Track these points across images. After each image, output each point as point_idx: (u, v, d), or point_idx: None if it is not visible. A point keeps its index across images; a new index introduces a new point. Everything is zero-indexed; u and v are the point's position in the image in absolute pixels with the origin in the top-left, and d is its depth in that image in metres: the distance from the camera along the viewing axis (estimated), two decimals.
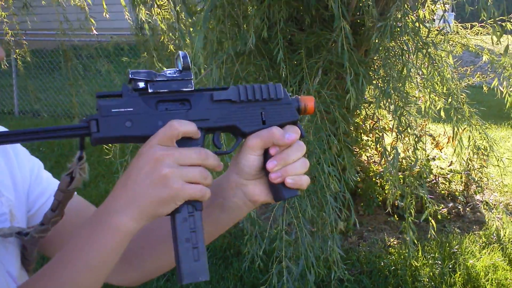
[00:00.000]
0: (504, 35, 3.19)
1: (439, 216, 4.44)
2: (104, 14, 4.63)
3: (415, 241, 3.52)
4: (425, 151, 4.56)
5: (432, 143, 5.39)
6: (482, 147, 4.13)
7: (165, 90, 0.85)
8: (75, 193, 1.10)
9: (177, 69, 0.87)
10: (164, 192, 0.81)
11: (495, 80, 3.92)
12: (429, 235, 3.66)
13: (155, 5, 4.22)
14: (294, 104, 0.94)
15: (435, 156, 5.28)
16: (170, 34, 4.35)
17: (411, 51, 3.59)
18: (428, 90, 4.17)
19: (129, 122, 0.82)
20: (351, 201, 3.14)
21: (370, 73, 3.79)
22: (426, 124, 5.07)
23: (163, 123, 0.83)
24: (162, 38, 4.52)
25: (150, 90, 0.84)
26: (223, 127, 0.89)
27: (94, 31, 5.41)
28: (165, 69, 0.88)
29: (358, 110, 4.35)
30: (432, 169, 5.22)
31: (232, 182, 0.95)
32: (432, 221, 3.45)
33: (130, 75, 0.83)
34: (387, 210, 3.94)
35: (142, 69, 0.85)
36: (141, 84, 0.84)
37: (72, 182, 0.87)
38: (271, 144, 0.90)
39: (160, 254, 1.02)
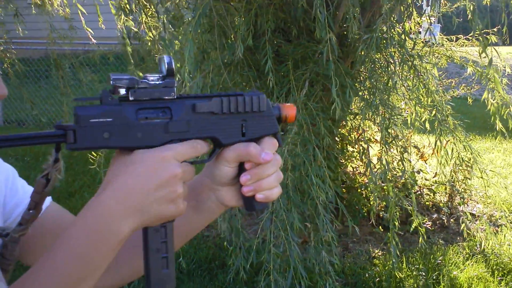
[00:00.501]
0: (488, 47, 3.22)
1: (423, 230, 4.46)
2: (100, 24, 4.62)
3: (399, 253, 3.53)
4: (410, 162, 4.59)
5: (417, 154, 5.42)
6: (466, 158, 4.16)
7: (146, 98, 0.83)
8: (52, 200, 1.10)
9: (160, 75, 0.84)
10: (171, 210, 0.82)
11: (485, 92, 3.94)
12: (419, 245, 3.67)
13: (142, 14, 4.22)
14: (275, 113, 0.94)
15: (420, 170, 5.30)
16: (157, 45, 4.35)
17: (396, 63, 3.62)
18: (413, 102, 4.21)
19: (107, 133, 0.79)
20: (345, 211, 3.15)
21: (356, 84, 3.81)
22: (411, 136, 5.10)
23: (143, 135, 0.82)
24: (149, 46, 4.52)
25: (131, 98, 0.82)
26: (203, 137, 0.88)
27: (93, 40, 5.38)
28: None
29: (344, 122, 4.37)
30: (417, 180, 5.24)
31: (205, 186, 0.96)
32: (422, 231, 3.47)
33: (111, 81, 0.81)
34: (372, 221, 3.96)
35: (125, 74, 0.83)
36: (122, 91, 0.81)
37: (48, 184, 0.86)
38: (247, 160, 0.90)
39: (134, 261, 1.01)
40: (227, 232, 3.36)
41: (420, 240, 3.58)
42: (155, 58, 4.46)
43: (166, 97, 0.84)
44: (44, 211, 1.03)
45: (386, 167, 3.30)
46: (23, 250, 1.00)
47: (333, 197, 3.08)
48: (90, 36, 5.16)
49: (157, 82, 0.83)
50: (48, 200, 1.09)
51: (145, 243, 0.85)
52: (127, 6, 4.14)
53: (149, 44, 4.41)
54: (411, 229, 3.54)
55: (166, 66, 0.84)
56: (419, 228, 3.45)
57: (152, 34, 4.30)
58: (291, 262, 2.95)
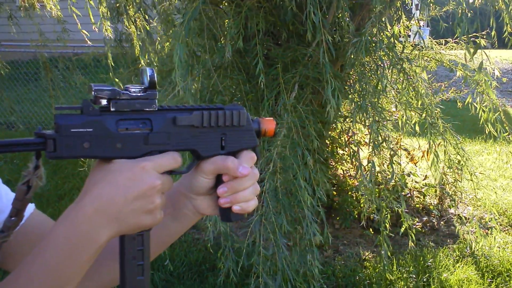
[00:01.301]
0: (478, 50, 3.24)
1: (414, 231, 4.48)
2: (94, 27, 4.62)
3: (390, 255, 3.54)
4: (400, 165, 4.60)
5: (407, 157, 5.43)
6: (456, 161, 4.18)
7: (127, 110, 0.83)
8: (35, 207, 1.10)
9: (142, 86, 0.84)
10: (148, 221, 0.82)
11: (469, 96, 3.97)
12: (409, 248, 3.68)
13: (125, 19, 4.22)
14: (255, 127, 0.95)
15: (410, 172, 5.32)
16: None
17: (386, 66, 3.63)
18: (404, 105, 4.22)
19: (87, 143, 0.80)
20: (324, 216, 3.15)
21: (346, 87, 3.82)
22: (401, 139, 5.11)
23: (122, 145, 0.82)
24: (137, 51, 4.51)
25: (112, 109, 0.82)
26: (182, 150, 0.89)
27: (89, 42, 5.37)
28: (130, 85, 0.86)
29: (334, 124, 4.38)
30: (407, 183, 5.26)
31: (182, 194, 0.97)
32: (412, 234, 3.48)
33: (93, 92, 0.81)
34: (362, 224, 3.97)
35: (106, 85, 0.83)
36: (104, 102, 0.81)
37: (30, 191, 0.85)
38: (224, 173, 0.91)
39: (116, 268, 1.01)
40: (216, 235, 3.36)
41: (409, 243, 3.60)
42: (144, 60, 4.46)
43: (147, 109, 0.85)
44: (27, 218, 1.03)
45: (373, 170, 3.31)
46: (5, 256, 1.00)
47: (316, 200, 3.09)
48: (86, 39, 5.14)
49: (139, 94, 0.84)
50: (31, 207, 1.09)
51: (121, 250, 0.85)
52: (108, 13, 4.15)
53: (137, 47, 4.40)
54: (401, 232, 3.56)
55: (149, 78, 0.84)
56: (409, 231, 3.46)
57: (140, 38, 4.29)
58: (279, 265, 2.95)
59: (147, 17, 4.04)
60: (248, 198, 0.92)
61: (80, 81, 6.58)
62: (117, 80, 4.40)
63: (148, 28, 4.07)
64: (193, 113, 0.88)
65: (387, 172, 4.10)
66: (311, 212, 3.04)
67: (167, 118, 0.86)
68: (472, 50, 3.12)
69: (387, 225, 3.39)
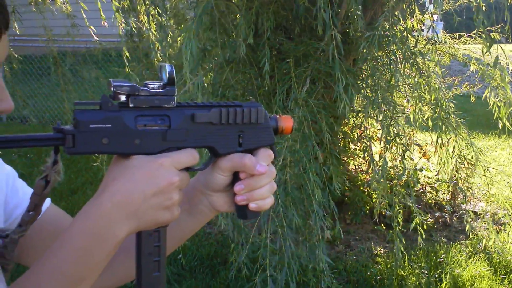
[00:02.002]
0: (494, 44, 3.21)
1: (425, 226, 4.45)
2: (103, 22, 4.63)
3: (402, 250, 3.53)
4: (413, 160, 4.58)
5: (419, 152, 5.40)
6: (469, 156, 4.15)
7: (146, 106, 0.83)
8: (51, 202, 1.10)
9: (161, 83, 0.84)
10: (166, 217, 0.83)
11: (487, 89, 3.91)
12: (419, 244, 3.66)
13: (141, 13, 4.22)
14: (272, 124, 0.95)
15: (422, 167, 5.29)
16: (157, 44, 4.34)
17: (399, 60, 3.61)
18: (416, 100, 4.19)
19: (106, 139, 0.80)
20: (336, 210, 3.14)
21: (358, 82, 3.80)
22: (413, 134, 5.08)
23: (141, 142, 0.83)
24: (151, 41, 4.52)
25: (131, 105, 0.82)
26: (200, 146, 0.89)
27: (96, 38, 5.39)
28: (148, 81, 0.85)
29: (346, 119, 4.36)
30: (419, 178, 5.23)
31: (198, 191, 0.97)
32: (421, 229, 3.46)
33: (112, 88, 0.81)
34: (374, 219, 3.95)
35: (125, 81, 0.83)
36: (122, 98, 0.82)
37: (48, 186, 0.86)
38: (242, 170, 0.91)
39: (130, 263, 1.01)
40: (229, 229, 3.36)
41: (419, 239, 3.58)
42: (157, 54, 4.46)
43: (166, 105, 0.85)
44: (43, 212, 1.04)
45: (385, 165, 3.29)
46: (21, 251, 1.00)
47: (327, 195, 3.08)
48: (93, 34, 5.16)
49: (158, 90, 0.84)
50: (48, 201, 1.10)
51: (138, 246, 0.86)
52: (128, 3, 4.15)
53: (152, 40, 4.40)
54: (411, 228, 3.55)
55: (168, 74, 0.84)
56: (418, 227, 3.44)
57: (152, 32, 4.29)
58: (285, 259, 2.95)
59: (160, 11, 4.03)
60: (264, 196, 0.93)
61: (95, 75, 6.62)
62: (134, 75, 4.41)
63: (164, 23, 4.06)
64: (211, 110, 0.88)
65: (399, 167, 4.08)
66: (321, 206, 3.03)
67: (185, 115, 0.86)
68: (488, 44, 3.10)
69: (400, 221, 3.38)
